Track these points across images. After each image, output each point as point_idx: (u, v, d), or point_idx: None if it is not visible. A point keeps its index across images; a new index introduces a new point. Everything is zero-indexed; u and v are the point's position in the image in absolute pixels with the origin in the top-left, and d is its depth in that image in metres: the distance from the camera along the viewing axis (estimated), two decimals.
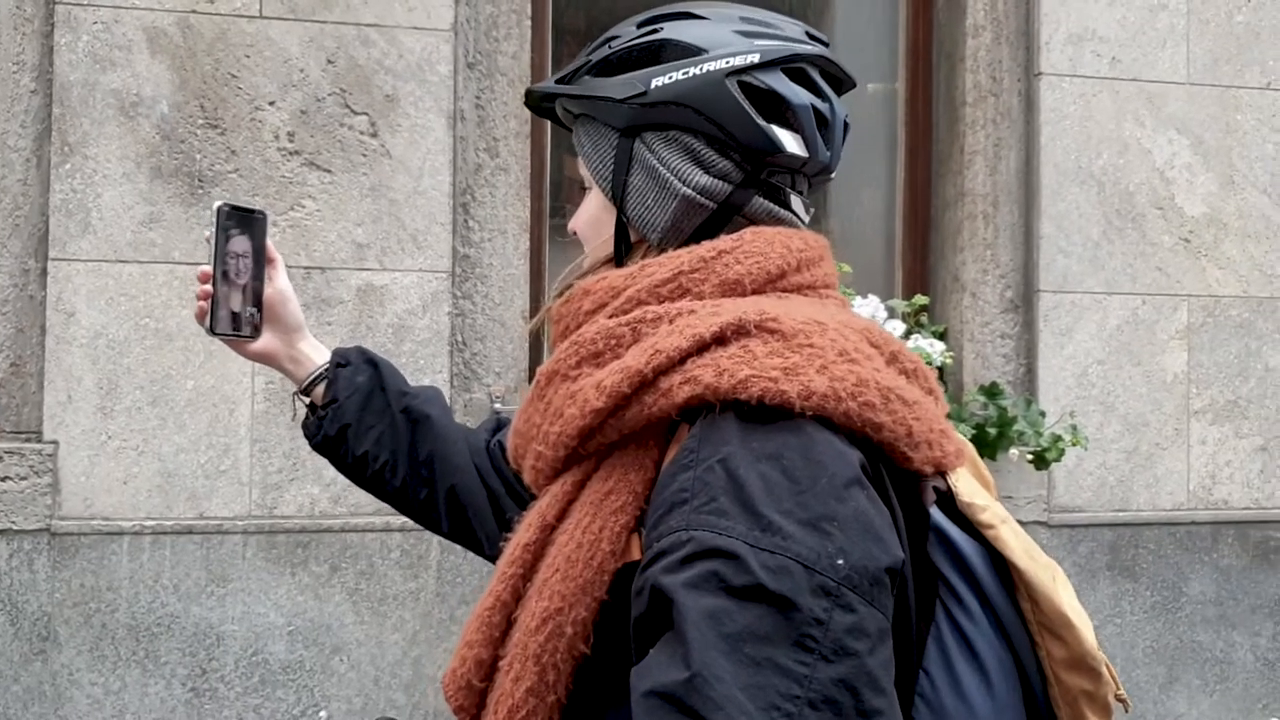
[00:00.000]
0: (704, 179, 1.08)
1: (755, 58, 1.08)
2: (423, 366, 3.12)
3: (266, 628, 3.04)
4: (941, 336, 3.54)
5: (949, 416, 3.63)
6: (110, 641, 2.97)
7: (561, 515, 1.02)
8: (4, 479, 2.94)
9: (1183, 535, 3.62)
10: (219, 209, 1.43)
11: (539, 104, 1.24)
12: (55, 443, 2.96)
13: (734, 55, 1.08)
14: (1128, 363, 3.57)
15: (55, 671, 2.95)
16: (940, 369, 3.43)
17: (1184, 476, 3.61)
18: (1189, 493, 3.61)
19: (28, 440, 3.00)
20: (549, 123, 1.26)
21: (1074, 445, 3.32)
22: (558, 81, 1.18)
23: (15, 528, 2.94)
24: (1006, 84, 3.58)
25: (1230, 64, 3.67)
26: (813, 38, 1.14)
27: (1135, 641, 3.59)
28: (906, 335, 3.43)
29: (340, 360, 1.52)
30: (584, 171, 1.17)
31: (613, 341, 1.01)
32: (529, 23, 3.33)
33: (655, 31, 1.12)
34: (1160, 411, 3.59)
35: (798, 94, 1.09)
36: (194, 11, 3.04)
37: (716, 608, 0.85)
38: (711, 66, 1.07)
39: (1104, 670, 1.07)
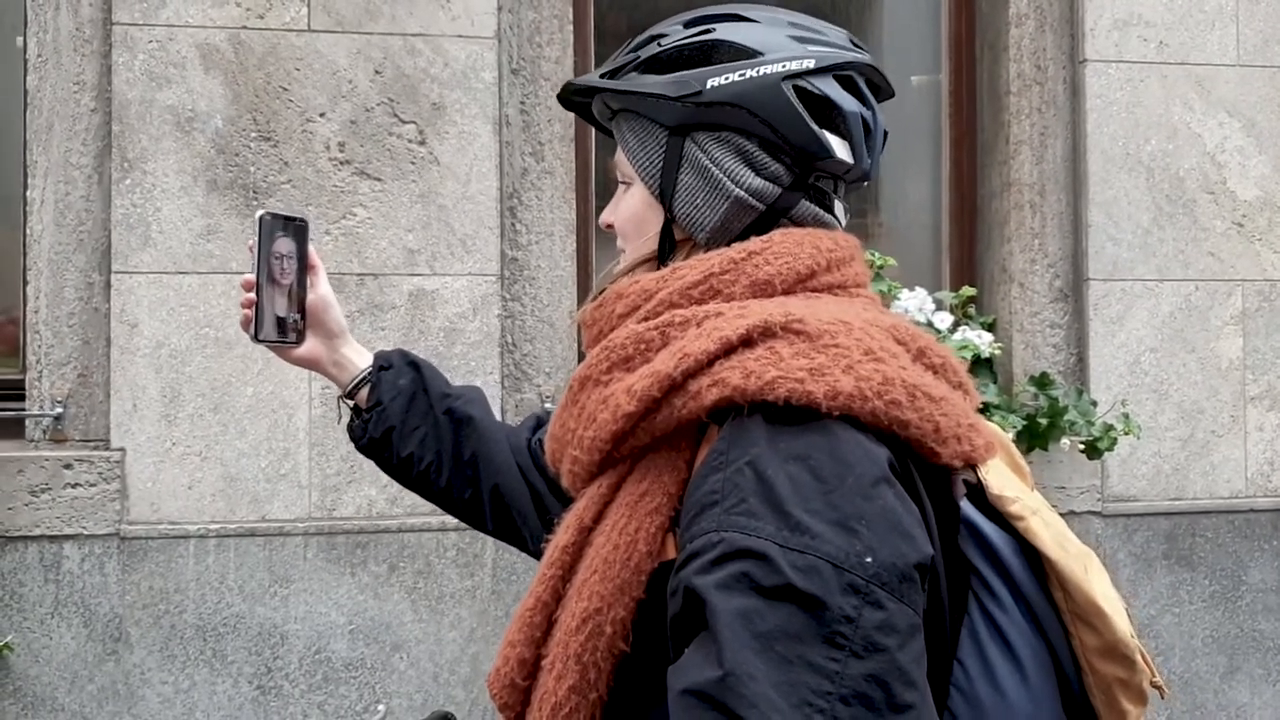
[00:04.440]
0: (756, 181, 1.09)
1: (811, 63, 1.09)
2: (474, 368, 3.17)
3: (328, 626, 3.11)
4: (990, 327, 3.52)
5: (999, 408, 3.57)
6: (179, 641, 3.05)
7: (598, 517, 1.04)
8: (75, 485, 3.03)
9: (1241, 523, 3.57)
10: (260, 217, 1.45)
11: (571, 97, 1.22)
12: (122, 450, 3.05)
13: (790, 59, 1.09)
14: (1181, 350, 3.53)
15: (128, 671, 3.04)
16: (989, 360, 3.41)
17: (1241, 464, 3.56)
18: (1247, 480, 3.57)
19: (96, 448, 3.10)
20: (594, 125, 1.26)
21: (1126, 434, 3.29)
22: (603, 76, 1.17)
23: (86, 532, 3.03)
24: (1051, 72, 3.55)
25: None
26: (856, 45, 1.15)
27: (1194, 631, 3.55)
28: (955, 327, 3.41)
29: (383, 363, 1.54)
30: (626, 168, 1.16)
31: (642, 346, 1.03)
32: (571, 28, 3.36)
33: (708, 32, 1.12)
34: (1216, 398, 3.55)
35: (849, 101, 1.10)
36: (244, 28, 3.11)
37: (748, 608, 0.87)
38: (768, 69, 1.08)
39: (1138, 658, 1.07)
